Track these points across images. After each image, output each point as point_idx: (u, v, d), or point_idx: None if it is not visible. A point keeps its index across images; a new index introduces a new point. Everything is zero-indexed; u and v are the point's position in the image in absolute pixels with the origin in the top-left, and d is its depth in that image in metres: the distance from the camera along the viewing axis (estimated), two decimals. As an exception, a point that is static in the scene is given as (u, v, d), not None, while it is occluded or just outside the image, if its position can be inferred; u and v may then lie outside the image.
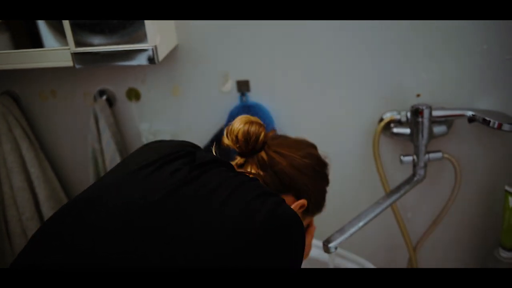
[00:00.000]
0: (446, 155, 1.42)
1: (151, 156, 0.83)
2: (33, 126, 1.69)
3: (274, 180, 0.96)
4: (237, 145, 0.95)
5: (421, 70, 1.40)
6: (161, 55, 1.34)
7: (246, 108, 1.50)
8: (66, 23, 1.32)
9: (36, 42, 1.55)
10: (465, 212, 1.54)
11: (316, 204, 1.05)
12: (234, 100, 1.52)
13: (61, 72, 1.59)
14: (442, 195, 1.51)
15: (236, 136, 0.93)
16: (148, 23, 1.28)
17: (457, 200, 1.49)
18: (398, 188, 1.41)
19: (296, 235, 0.77)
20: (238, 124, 0.94)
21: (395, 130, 1.43)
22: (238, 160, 0.99)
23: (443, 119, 1.39)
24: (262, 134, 0.93)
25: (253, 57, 1.47)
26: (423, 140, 1.36)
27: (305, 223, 1.05)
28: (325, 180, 1.08)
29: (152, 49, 1.30)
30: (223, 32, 1.45)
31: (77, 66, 1.37)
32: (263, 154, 0.96)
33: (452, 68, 1.38)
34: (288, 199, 0.97)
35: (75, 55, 1.36)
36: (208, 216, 0.71)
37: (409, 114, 1.39)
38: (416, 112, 1.34)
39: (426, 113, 1.33)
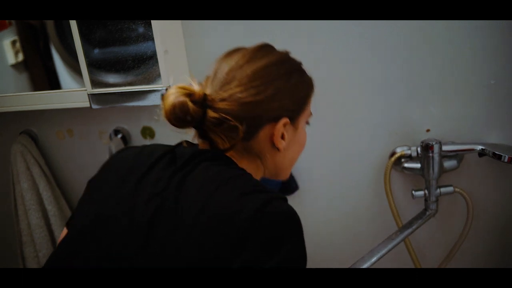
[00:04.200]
0: (457, 189, 1.43)
1: (134, 167, 0.88)
2: (50, 164, 1.73)
3: (242, 123, 0.87)
4: (178, 122, 0.86)
5: (430, 105, 1.41)
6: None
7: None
8: (83, 65, 1.37)
9: (54, 82, 1.60)
10: (479, 246, 1.53)
11: (297, 105, 0.96)
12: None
13: (77, 112, 1.63)
14: (455, 229, 1.51)
15: (170, 119, 0.86)
16: (162, 64, 1.32)
17: (470, 234, 1.49)
18: (410, 223, 1.41)
19: (288, 231, 0.76)
20: (165, 104, 0.85)
21: (406, 165, 1.44)
22: (197, 134, 0.92)
23: (453, 153, 1.39)
24: (187, 102, 0.84)
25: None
26: (433, 174, 1.37)
27: (298, 133, 0.99)
28: (293, 75, 0.95)
29: (166, 89, 1.34)
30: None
31: (94, 107, 1.41)
32: (210, 113, 0.86)
33: (461, 103, 1.39)
34: (269, 128, 0.91)
35: (92, 96, 1.40)
36: (191, 228, 0.74)
37: (419, 149, 1.40)
38: (426, 147, 1.35)
39: (436, 148, 1.34)
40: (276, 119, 0.91)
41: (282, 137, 0.93)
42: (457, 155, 1.42)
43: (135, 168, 0.87)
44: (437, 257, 1.56)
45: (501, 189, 1.46)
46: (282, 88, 0.91)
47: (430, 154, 1.35)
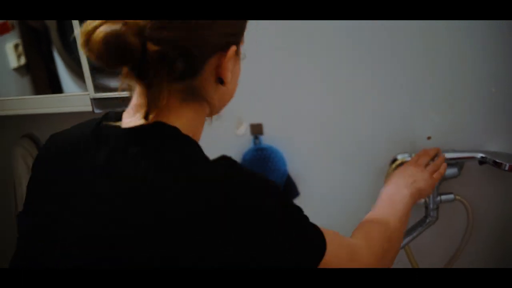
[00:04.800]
0: (458, 197, 1.43)
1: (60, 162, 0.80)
2: (51, 168, 1.73)
3: (188, 56, 0.73)
4: (112, 60, 0.70)
5: (431, 113, 1.42)
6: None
7: (259, 150, 1.53)
8: (86, 69, 1.37)
9: (56, 86, 1.60)
10: (479, 254, 1.54)
11: (241, 28, 0.84)
12: (247, 143, 1.55)
13: (79, 115, 1.63)
14: (455, 236, 1.51)
15: (102, 56, 0.69)
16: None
17: (471, 242, 1.49)
18: (410, 230, 1.41)
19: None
20: (92, 39, 0.69)
21: (407, 172, 1.45)
22: (130, 76, 0.75)
23: (454, 161, 1.40)
24: (124, 32, 0.68)
25: (266, 101, 1.50)
26: (434, 182, 1.37)
27: (238, 62, 0.89)
28: None
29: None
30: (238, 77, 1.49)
31: (96, 111, 1.41)
32: (150, 47, 0.69)
33: (462, 111, 1.40)
34: (216, 59, 0.79)
35: (94, 100, 1.41)
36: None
37: (420, 157, 1.40)
38: (427, 154, 1.36)
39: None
40: (224, 48, 0.78)
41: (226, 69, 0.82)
42: (458, 163, 1.42)
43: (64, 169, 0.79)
44: (437, 265, 1.57)
45: (501, 197, 1.46)
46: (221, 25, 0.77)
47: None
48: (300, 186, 1.58)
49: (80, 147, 0.79)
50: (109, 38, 0.67)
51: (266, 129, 1.53)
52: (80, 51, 1.37)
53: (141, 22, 0.68)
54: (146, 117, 0.74)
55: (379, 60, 1.40)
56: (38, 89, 1.66)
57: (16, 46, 1.63)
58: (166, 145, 0.75)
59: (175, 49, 0.71)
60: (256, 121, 1.53)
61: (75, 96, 1.47)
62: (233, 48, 0.79)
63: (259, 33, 1.42)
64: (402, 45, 1.37)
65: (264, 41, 1.44)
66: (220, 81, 0.81)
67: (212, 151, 1.58)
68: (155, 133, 0.75)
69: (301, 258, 0.77)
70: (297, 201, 1.56)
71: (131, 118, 0.78)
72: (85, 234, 0.71)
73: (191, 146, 0.79)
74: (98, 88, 1.40)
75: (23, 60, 1.64)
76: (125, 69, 0.73)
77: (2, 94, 1.59)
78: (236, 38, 0.81)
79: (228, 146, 1.57)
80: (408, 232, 1.41)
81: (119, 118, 0.80)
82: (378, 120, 1.46)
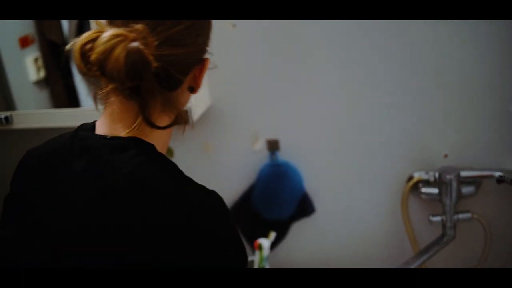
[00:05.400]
0: (475, 216, 1.42)
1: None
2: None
3: (181, 71, 0.76)
4: (132, 80, 0.70)
5: (448, 131, 1.42)
6: (195, 115, 1.39)
7: (275, 166, 1.53)
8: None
9: (74, 100, 1.61)
10: (496, 273, 1.53)
11: (209, 39, 0.84)
12: (264, 158, 1.56)
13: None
14: (472, 255, 1.50)
15: (121, 77, 0.68)
16: (183, 85, 1.34)
17: (488, 261, 1.48)
18: (427, 248, 1.41)
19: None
20: (110, 56, 0.68)
21: (424, 190, 1.44)
22: (117, 93, 0.75)
23: (471, 179, 1.40)
24: (143, 49, 0.68)
25: (283, 117, 1.51)
26: (451, 200, 1.37)
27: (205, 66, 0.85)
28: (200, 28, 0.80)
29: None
30: (254, 93, 1.50)
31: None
32: (153, 63, 0.69)
33: (479, 129, 1.40)
34: (194, 70, 0.81)
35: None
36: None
37: (437, 175, 1.40)
38: (444, 173, 1.35)
39: (453, 174, 1.34)
40: (202, 60, 0.81)
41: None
42: (475, 181, 1.41)
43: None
44: (453, 283, 1.56)
45: (519, 217, 1.45)
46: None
47: (448, 180, 1.35)
48: (316, 203, 1.58)
49: (59, 157, 0.79)
50: (132, 56, 0.67)
51: (282, 145, 1.53)
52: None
53: (150, 38, 0.69)
54: (149, 124, 0.76)
55: (395, 79, 1.40)
56: (57, 103, 1.67)
57: (36, 60, 1.64)
58: (149, 157, 0.76)
59: (172, 65, 0.72)
60: (272, 137, 1.53)
61: (93, 111, 1.47)
62: (208, 60, 0.83)
63: (276, 51, 1.44)
64: (419, 65, 1.38)
65: (281, 59, 1.45)
66: (191, 89, 0.83)
67: (229, 166, 1.61)
68: (137, 145, 0.76)
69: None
70: (312, 217, 1.58)
71: (109, 129, 0.78)
72: (69, 239, 0.72)
73: (168, 162, 0.80)
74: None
75: (42, 74, 1.65)
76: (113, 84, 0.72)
77: (21, 108, 1.61)
78: (208, 50, 0.84)
79: (244, 161, 1.58)
80: (425, 250, 1.40)
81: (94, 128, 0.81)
82: (394, 138, 1.46)
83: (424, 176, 1.44)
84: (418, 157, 1.46)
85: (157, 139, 0.80)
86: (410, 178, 1.47)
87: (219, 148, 1.59)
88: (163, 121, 0.80)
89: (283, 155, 1.54)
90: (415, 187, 1.46)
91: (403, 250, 1.53)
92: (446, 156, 1.44)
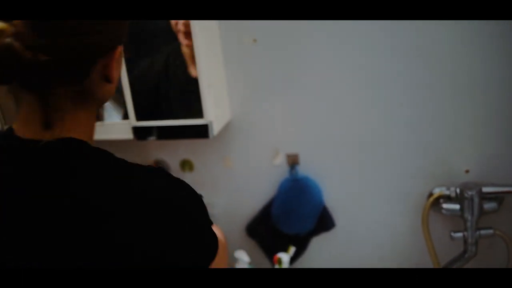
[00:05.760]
0: (497, 232, 1.41)
1: None
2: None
3: (78, 62, 0.72)
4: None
5: (469, 146, 1.41)
6: (216, 129, 1.40)
7: (295, 181, 1.54)
8: (128, 98, 1.41)
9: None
10: (519, 292, 1.50)
11: (126, 30, 0.81)
12: (284, 173, 1.56)
13: (117, 143, 1.66)
14: (494, 273, 1.48)
15: None
16: (205, 99, 1.36)
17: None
18: (449, 265, 1.39)
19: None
20: None
21: (445, 205, 1.43)
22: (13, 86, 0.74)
23: (493, 195, 1.38)
24: (13, 42, 0.65)
25: (303, 132, 1.52)
26: (473, 216, 1.36)
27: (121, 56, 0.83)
28: None
29: (208, 124, 1.37)
30: (275, 108, 1.51)
31: (137, 140, 1.44)
32: (40, 56, 0.67)
33: (500, 144, 1.38)
34: (104, 60, 0.77)
35: (135, 129, 1.44)
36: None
37: (458, 190, 1.39)
38: (465, 188, 1.34)
39: (475, 190, 1.33)
40: (112, 49, 0.77)
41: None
42: (497, 197, 1.40)
43: None
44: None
45: (542, 234, 1.43)
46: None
47: (469, 196, 1.34)
48: (336, 218, 1.57)
49: None
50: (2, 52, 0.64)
51: (302, 159, 1.54)
52: (124, 80, 1.40)
53: (28, 32, 0.65)
54: (47, 127, 0.73)
55: (416, 93, 1.40)
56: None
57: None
58: (84, 160, 0.75)
59: (65, 56, 0.69)
60: (292, 151, 1.54)
61: (115, 124, 1.50)
62: (119, 49, 0.79)
63: (296, 66, 1.45)
64: (441, 78, 1.37)
65: (302, 74, 1.46)
66: (107, 79, 0.79)
67: (248, 180, 1.61)
68: (67, 148, 0.75)
69: (197, 256, 0.80)
70: (332, 232, 1.57)
71: (27, 130, 0.75)
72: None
73: (106, 155, 0.79)
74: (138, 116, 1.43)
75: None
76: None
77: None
78: (122, 38, 0.80)
79: (264, 176, 1.58)
80: (446, 267, 1.38)
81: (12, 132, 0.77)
82: (414, 152, 1.45)
83: (445, 192, 1.43)
84: (439, 172, 1.45)
85: (81, 124, 0.78)
86: (431, 193, 1.46)
87: (239, 162, 1.60)
88: (80, 114, 0.77)
89: (303, 169, 1.55)
90: (436, 202, 1.45)
91: (423, 266, 1.51)
92: (467, 171, 1.43)
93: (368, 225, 1.56)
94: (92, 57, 0.74)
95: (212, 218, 0.85)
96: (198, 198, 0.83)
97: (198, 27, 1.31)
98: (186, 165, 1.64)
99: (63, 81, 0.72)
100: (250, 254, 1.58)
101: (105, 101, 0.85)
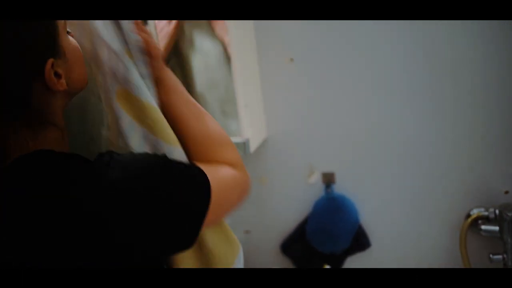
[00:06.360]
0: (538, 255, 1.38)
1: None
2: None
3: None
4: None
5: (509, 167, 1.39)
6: (252, 147, 1.42)
7: (330, 200, 1.53)
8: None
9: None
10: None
11: (52, 32, 0.77)
12: (319, 191, 1.56)
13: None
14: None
15: None
16: (242, 117, 1.38)
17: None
18: None
19: None
20: None
21: (483, 227, 1.41)
22: None
23: (534, 218, 1.36)
24: None
25: (339, 150, 1.52)
26: (513, 238, 1.34)
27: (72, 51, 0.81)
28: None
29: (245, 142, 1.38)
30: (310, 126, 1.52)
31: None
32: None
33: (542, 165, 1.37)
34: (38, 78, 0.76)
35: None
36: None
37: (497, 212, 1.37)
38: (505, 210, 1.32)
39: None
40: (39, 66, 0.75)
41: (58, 76, 0.77)
42: (539, 220, 1.37)
43: None
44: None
45: None
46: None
47: (509, 218, 1.32)
48: (371, 237, 1.56)
49: None
50: None
51: (338, 177, 1.54)
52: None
53: None
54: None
55: (455, 112, 1.39)
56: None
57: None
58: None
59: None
60: (328, 170, 1.54)
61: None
62: (49, 62, 0.75)
63: (332, 84, 1.46)
64: (480, 97, 1.36)
65: (338, 92, 1.47)
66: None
67: (284, 199, 1.62)
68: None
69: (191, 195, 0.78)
70: (367, 252, 1.56)
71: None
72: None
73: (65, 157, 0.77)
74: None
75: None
76: None
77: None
78: (53, 46, 0.77)
79: (299, 194, 1.59)
80: (485, 289, 1.36)
81: None
82: (453, 172, 1.44)
83: (483, 213, 1.40)
84: (478, 193, 1.43)
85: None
86: (469, 214, 1.43)
87: (275, 180, 1.61)
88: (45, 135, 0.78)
89: (339, 188, 1.55)
90: (474, 223, 1.43)
91: (461, 289, 1.49)
92: (506, 192, 1.41)
93: (404, 245, 1.54)
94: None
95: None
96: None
97: (236, 47, 1.33)
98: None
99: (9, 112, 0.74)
100: (284, 272, 1.58)
101: (77, 88, 0.83)
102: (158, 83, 0.89)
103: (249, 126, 1.40)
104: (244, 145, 1.39)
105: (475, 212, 1.42)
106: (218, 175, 0.85)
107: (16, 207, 0.71)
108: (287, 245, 1.65)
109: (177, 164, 0.80)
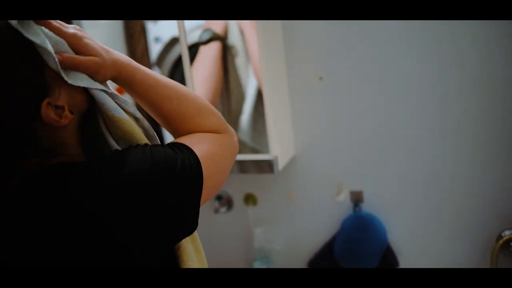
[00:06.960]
0: None
1: None
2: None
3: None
4: None
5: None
6: (281, 164, 1.42)
7: (359, 218, 1.53)
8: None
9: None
10: None
11: (38, 72, 0.73)
12: (347, 209, 1.56)
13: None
14: None
15: None
16: (271, 134, 1.38)
17: None
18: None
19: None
20: None
21: (515, 249, 1.39)
22: None
23: None
24: None
25: (368, 169, 1.51)
26: (546, 261, 1.31)
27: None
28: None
29: (273, 160, 1.39)
30: (339, 144, 1.52)
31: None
32: None
33: None
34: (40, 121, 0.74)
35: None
36: None
37: (529, 234, 1.35)
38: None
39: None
40: (36, 111, 0.73)
41: (61, 108, 0.75)
42: None
43: None
44: None
45: None
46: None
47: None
48: (400, 257, 1.55)
49: None
50: None
51: (366, 196, 1.53)
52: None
53: None
54: None
55: (485, 133, 1.38)
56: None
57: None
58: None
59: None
60: (357, 188, 1.53)
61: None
62: (45, 102, 0.73)
63: (361, 103, 1.46)
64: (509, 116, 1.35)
65: (366, 110, 1.47)
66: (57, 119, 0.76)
67: (311, 216, 1.62)
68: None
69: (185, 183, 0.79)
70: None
71: None
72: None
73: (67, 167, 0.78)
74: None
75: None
76: None
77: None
78: (43, 86, 0.74)
79: (327, 212, 1.58)
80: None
81: None
82: (483, 193, 1.42)
83: (515, 235, 1.39)
84: (509, 214, 1.41)
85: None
86: (500, 235, 1.41)
87: (303, 197, 1.61)
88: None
89: (367, 206, 1.54)
90: (506, 246, 1.41)
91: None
92: (539, 214, 1.39)
93: (432, 265, 1.52)
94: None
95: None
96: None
97: (266, 65, 1.35)
98: (249, 199, 1.66)
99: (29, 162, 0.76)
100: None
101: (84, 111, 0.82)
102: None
103: (278, 143, 1.41)
104: (272, 163, 1.40)
105: (506, 234, 1.40)
106: (204, 147, 0.85)
107: (16, 207, 0.73)
108: (315, 263, 1.64)
109: (166, 158, 0.79)
